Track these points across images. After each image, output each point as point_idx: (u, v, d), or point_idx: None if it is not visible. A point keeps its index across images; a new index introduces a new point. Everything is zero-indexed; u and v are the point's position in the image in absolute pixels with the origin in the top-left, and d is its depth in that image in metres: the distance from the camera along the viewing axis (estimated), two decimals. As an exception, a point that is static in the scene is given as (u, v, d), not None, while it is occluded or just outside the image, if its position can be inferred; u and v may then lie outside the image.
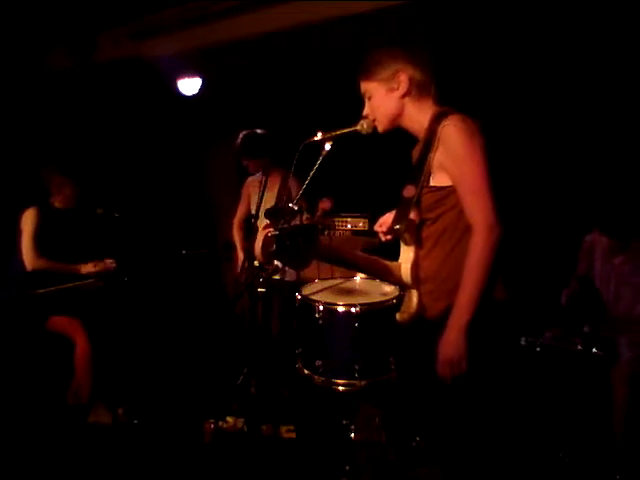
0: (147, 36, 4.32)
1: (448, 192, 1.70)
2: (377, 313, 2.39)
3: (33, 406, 3.04)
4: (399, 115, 1.83)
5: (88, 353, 3.10)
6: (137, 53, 4.40)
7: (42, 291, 3.19)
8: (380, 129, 1.88)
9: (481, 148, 1.65)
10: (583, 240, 3.06)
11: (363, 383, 2.32)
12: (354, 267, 2.19)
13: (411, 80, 1.78)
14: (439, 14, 3.37)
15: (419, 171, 1.74)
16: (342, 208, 3.88)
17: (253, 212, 3.55)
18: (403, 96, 1.79)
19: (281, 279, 3.47)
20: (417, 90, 1.79)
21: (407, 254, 1.94)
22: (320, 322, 2.38)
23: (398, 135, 1.90)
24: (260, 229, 3.53)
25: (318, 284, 2.84)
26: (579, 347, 2.74)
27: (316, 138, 2.12)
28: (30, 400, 3.06)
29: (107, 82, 4.69)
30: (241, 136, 3.60)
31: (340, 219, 4.05)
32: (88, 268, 3.37)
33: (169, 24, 4.15)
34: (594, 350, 2.71)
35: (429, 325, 1.83)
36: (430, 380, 1.74)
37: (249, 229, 3.66)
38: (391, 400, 2.85)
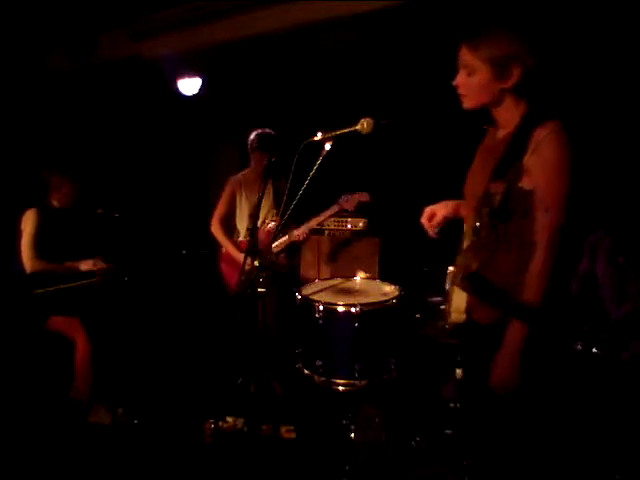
0: (147, 36, 4.32)
1: (526, 197, 1.60)
2: (377, 313, 2.39)
3: (33, 406, 3.04)
4: (495, 104, 1.70)
5: (88, 353, 3.10)
6: (137, 53, 4.40)
7: (42, 291, 3.19)
8: (465, 106, 1.73)
9: (571, 164, 1.56)
10: (586, 241, 3.05)
11: (363, 383, 2.33)
12: None
13: (523, 75, 1.61)
14: (440, 14, 3.36)
15: (508, 169, 1.61)
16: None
17: (251, 212, 3.56)
18: (509, 89, 1.65)
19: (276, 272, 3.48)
20: (523, 84, 1.64)
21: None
22: (320, 322, 2.39)
23: (396, 136, 1.90)
24: (262, 229, 3.54)
25: (318, 284, 2.85)
26: (579, 347, 2.74)
27: (316, 138, 2.12)
28: (30, 400, 3.06)
29: (107, 82, 4.68)
30: (257, 132, 3.61)
31: (340, 219, 4.06)
32: (88, 265, 3.36)
33: (169, 24, 4.15)
34: (594, 350, 2.70)
35: (478, 330, 1.74)
36: (478, 387, 1.70)
37: (229, 228, 3.67)
38: (391, 400, 2.85)
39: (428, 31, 3.49)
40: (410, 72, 3.81)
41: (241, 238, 3.63)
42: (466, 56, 1.65)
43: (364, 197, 3.35)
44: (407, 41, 3.64)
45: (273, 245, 3.46)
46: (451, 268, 1.93)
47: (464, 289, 1.69)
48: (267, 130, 3.62)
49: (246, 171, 3.71)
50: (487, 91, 1.66)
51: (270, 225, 3.58)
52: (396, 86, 3.88)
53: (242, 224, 3.65)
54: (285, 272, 3.62)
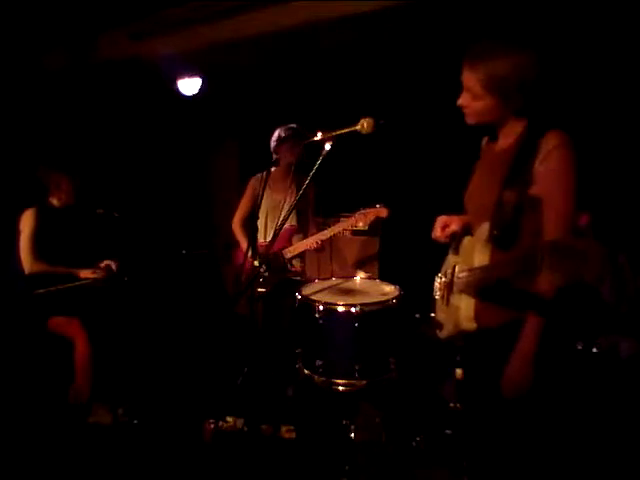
0: (147, 36, 4.31)
1: (532, 203, 1.64)
2: (377, 313, 2.40)
3: (33, 406, 3.04)
4: (495, 116, 1.74)
5: (88, 353, 3.10)
6: (137, 53, 4.40)
7: (42, 291, 3.19)
8: (469, 122, 1.78)
9: (577, 173, 1.62)
10: None
11: (363, 383, 2.33)
12: None
13: (526, 95, 1.68)
14: (440, 14, 3.37)
15: (517, 177, 1.65)
16: (341, 208, 3.88)
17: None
18: (513, 111, 1.71)
19: (289, 278, 3.45)
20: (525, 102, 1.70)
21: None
22: (320, 322, 2.39)
23: (395, 137, 1.90)
24: (261, 228, 3.52)
25: (318, 284, 2.85)
26: (579, 347, 2.74)
27: (316, 138, 2.12)
28: (30, 400, 3.06)
29: (107, 82, 4.69)
30: (283, 126, 3.46)
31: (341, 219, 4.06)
32: (86, 274, 3.34)
33: (169, 24, 4.15)
34: (594, 350, 2.70)
35: (491, 334, 1.75)
36: (489, 392, 1.71)
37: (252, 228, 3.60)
38: (391, 400, 2.85)
39: (429, 31, 3.49)
40: (410, 72, 3.81)
41: (261, 239, 3.49)
42: (468, 79, 1.69)
43: (382, 213, 3.11)
44: (407, 41, 3.64)
45: (286, 250, 3.42)
46: (439, 279, 1.95)
47: (483, 299, 1.71)
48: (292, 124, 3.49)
49: (271, 169, 3.54)
50: (492, 114, 1.72)
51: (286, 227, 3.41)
52: (396, 86, 3.88)
53: (262, 224, 3.52)
54: (296, 279, 3.48)
